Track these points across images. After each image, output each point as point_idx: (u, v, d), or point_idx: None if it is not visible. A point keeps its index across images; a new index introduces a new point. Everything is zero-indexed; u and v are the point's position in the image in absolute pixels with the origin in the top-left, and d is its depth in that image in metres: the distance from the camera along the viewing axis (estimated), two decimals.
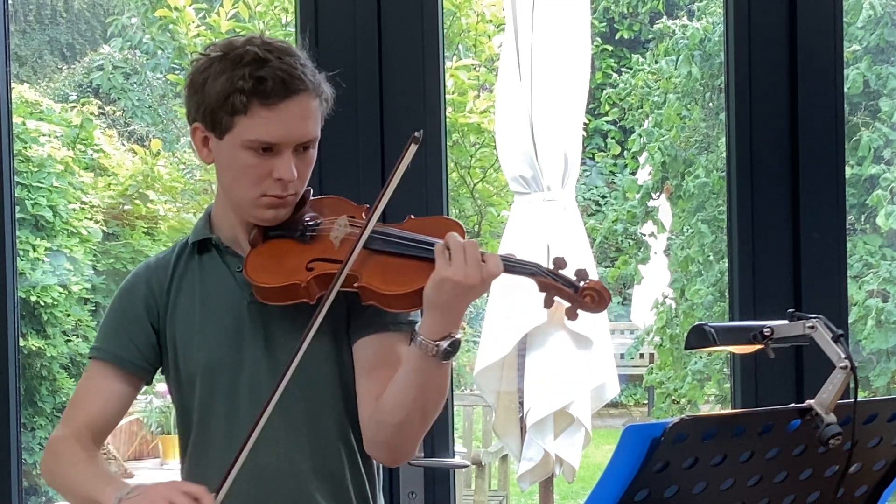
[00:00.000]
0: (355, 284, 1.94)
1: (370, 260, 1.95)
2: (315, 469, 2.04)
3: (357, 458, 2.08)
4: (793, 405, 1.60)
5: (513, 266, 1.90)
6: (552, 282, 1.88)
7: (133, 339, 2.07)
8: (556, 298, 1.89)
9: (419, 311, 1.95)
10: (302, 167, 1.99)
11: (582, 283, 1.87)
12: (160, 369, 2.14)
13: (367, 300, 1.94)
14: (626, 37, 8.52)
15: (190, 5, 7.06)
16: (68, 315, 6.68)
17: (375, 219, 1.95)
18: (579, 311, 1.89)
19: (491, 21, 7.07)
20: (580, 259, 3.96)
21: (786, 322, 1.71)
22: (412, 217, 2.05)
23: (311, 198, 2.10)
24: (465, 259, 1.84)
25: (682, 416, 1.47)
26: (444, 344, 1.87)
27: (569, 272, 1.89)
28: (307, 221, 2.04)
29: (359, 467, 2.08)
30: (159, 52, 7.65)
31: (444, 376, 1.94)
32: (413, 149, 1.95)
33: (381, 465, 2.17)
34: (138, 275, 2.12)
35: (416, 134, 1.95)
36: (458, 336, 1.89)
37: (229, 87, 1.92)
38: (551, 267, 1.90)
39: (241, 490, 1.98)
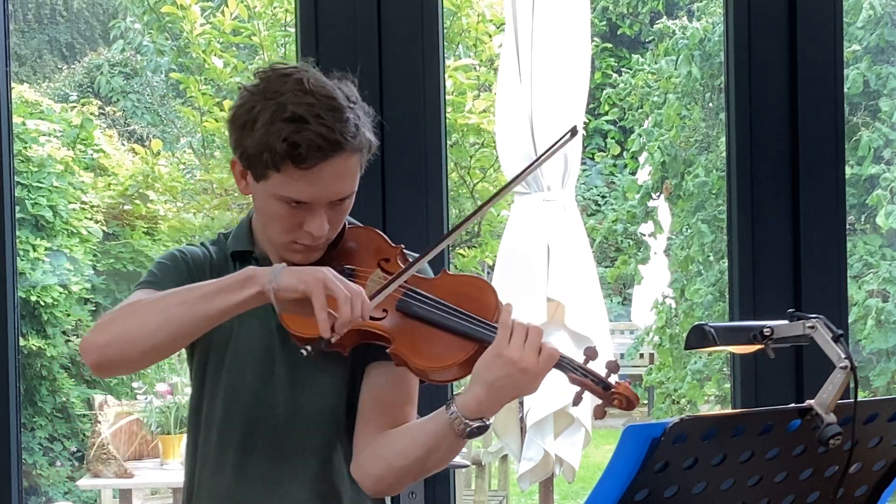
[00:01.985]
0: (388, 349, 1.91)
1: (404, 323, 1.92)
2: (312, 482, 2.02)
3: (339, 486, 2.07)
4: (793, 405, 1.60)
5: (563, 366, 1.89)
6: (583, 379, 1.87)
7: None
8: (587, 394, 1.89)
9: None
10: (335, 217, 1.96)
11: (613, 382, 1.86)
12: (190, 358, 2.08)
13: (398, 364, 1.92)
14: (627, 34, 8.51)
15: (196, 3, 7.06)
16: (68, 315, 6.69)
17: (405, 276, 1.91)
18: (606, 409, 1.90)
19: (491, 21, 7.07)
20: (580, 259, 3.97)
21: (786, 322, 1.71)
22: (446, 272, 2.00)
23: (349, 227, 2.06)
24: (525, 341, 1.83)
25: (682, 416, 1.48)
26: (474, 425, 1.86)
27: (600, 363, 1.89)
28: (343, 266, 1.99)
29: (356, 484, 2.07)
30: (160, 50, 7.64)
31: (458, 449, 1.94)
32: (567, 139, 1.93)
33: None
34: (184, 255, 2.04)
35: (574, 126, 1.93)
36: (489, 422, 1.88)
37: (264, 143, 1.87)
38: (583, 359, 1.89)
39: (243, 496, 2.00)
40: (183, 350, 2.03)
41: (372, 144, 1.98)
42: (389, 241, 2.05)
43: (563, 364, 1.88)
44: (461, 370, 1.90)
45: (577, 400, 1.91)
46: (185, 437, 2.34)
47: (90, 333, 1.90)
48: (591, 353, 1.89)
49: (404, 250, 2.03)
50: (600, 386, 1.86)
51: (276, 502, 2.01)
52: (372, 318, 1.90)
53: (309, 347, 1.84)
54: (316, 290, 1.79)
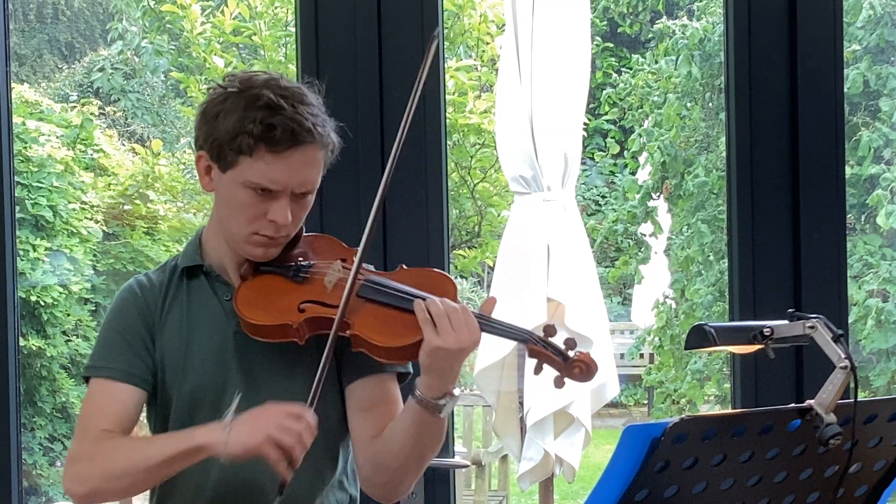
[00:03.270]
0: (347, 332, 1.96)
1: (363, 308, 1.97)
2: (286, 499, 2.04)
3: (332, 487, 2.10)
4: (793, 405, 1.60)
5: (498, 331, 1.94)
6: (543, 350, 1.92)
7: (137, 353, 2.06)
8: (546, 366, 1.93)
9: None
10: (297, 211, 2.01)
11: (572, 354, 1.91)
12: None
13: (357, 347, 1.97)
14: (627, 34, 8.52)
15: (196, 3, 7.07)
16: (68, 315, 6.68)
17: (362, 251, 1.97)
18: (566, 380, 1.93)
19: (493, 22, 7.07)
20: (580, 259, 3.97)
21: (786, 322, 1.71)
22: (404, 267, 2.06)
23: (304, 234, 2.12)
24: (451, 326, 1.88)
25: (682, 416, 1.48)
26: (442, 402, 1.93)
27: (558, 340, 1.93)
28: (300, 261, 2.06)
29: (333, 496, 2.10)
30: (160, 50, 7.64)
31: (442, 426, 1.98)
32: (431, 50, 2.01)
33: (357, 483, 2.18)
34: (132, 291, 2.11)
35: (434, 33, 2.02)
36: (455, 393, 1.94)
37: (239, 127, 1.94)
38: (542, 335, 1.94)
39: None
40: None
41: (336, 146, 2.05)
42: (345, 245, 2.11)
43: (500, 330, 1.93)
44: (418, 349, 1.94)
45: (537, 369, 1.95)
46: None
47: (69, 479, 2.00)
48: (549, 331, 1.94)
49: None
50: (560, 357, 1.91)
51: None
52: (329, 306, 1.96)
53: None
54: (266, 449, 1.85)
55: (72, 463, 2.02)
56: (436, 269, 2.07)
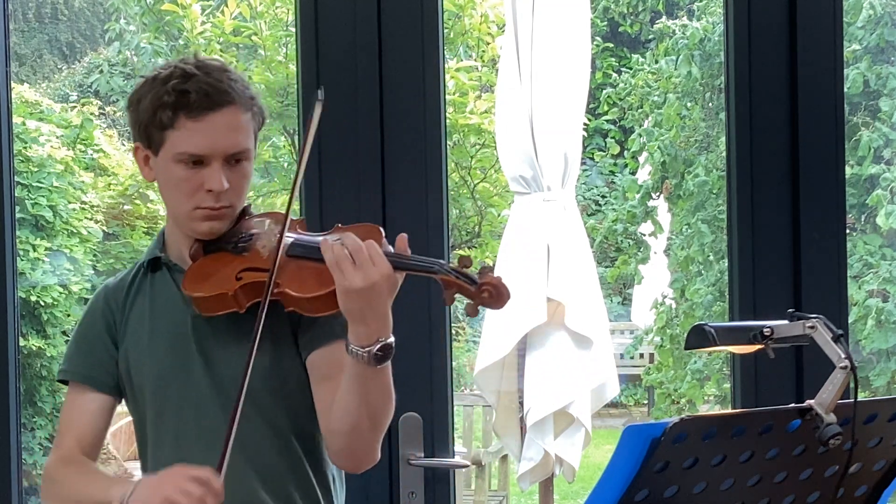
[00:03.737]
0: (275, 291, 1.97)
1: (289, 266, 1.99)
2: (255, 471, 2.06)
3: (305, 468, 2.10)
4: (793, 405, 1.60)
5: (407, 264, 1.91)
6: (453, 279, 1.88)
7: (99, 358, 2.14)
8: (457, 295, 1.90)
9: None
10: (235, 179, 2.03)
11: (481, 279, 1.87)
12: None
13: (288, 306, 1.98)
14: (629, 33, 8.51)
15: (196, 3, 7.06)
16: (68, 315, 6.68)
17: (288, 209, 2.00)
18: (480, 308, 1.89)
19: (493, 22, 7.07)
20: (580, 259, 3.97)
21: (786, 322, 1.71)
22: (339, 225, 2.05)
23: (255, 213, 2.13)
24: (355, 263, 1.85)
25: (682, 416, 1.48)
26: (374, 349, 1.88)
27: (473, 270, 1.90)
28: (242, 234, 2.08)
29: (308, 478, 2.10)
30: (160, 50, 7.64)
31: (385, 380, 1.94)
32: (318, 110, 1.98)
33: (342, 475, 2.19)
34: (98, 296, 2.19)
35: (318, 92, 1.98)
36: (388, 340, 1.89)
37: (156, 102, 1.98)
38: (454, 264, 1.91)
39: None
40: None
41: (263, 111, 2.06)
42: (291, 217, 2.09)
43: (407, 264, 1.90)
44: None
45: (448, 299, 1.91)
46: None
47: (42, 493, 2.13)
48: (464, 261, 1.90)
49: (304, 221, 2.10)
50: (469, 283, 1.87)
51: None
52: (263, 270, 1.98)
53: None
54: None
55: (45, 477, 2.13)
56: (370, 224, 2.04)
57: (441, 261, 1.92)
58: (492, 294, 1.86)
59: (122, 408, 5.76)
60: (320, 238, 1.98)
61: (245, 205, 2.11)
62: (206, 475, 1.87)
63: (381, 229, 2.00)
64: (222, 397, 2.04)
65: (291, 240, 2.01)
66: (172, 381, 2.08)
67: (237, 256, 2.05)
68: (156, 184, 2.09)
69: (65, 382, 2.22)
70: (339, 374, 2.00)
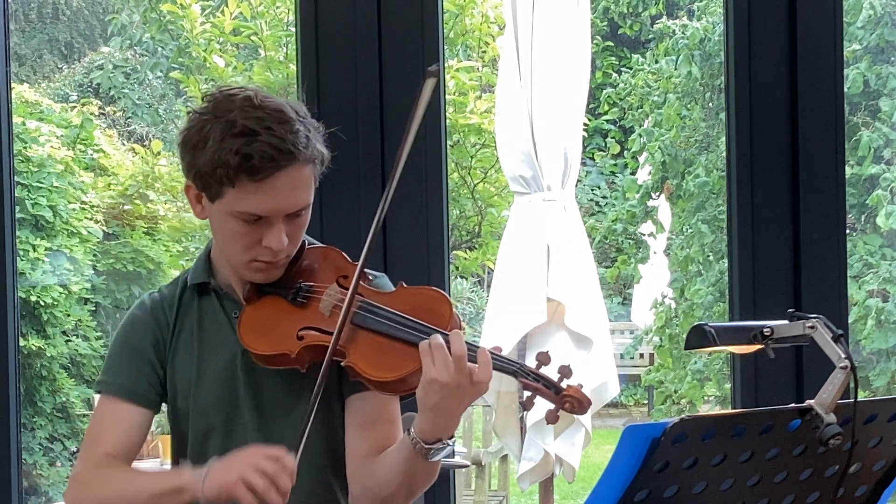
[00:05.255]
0: (343, 363, 1.93)
1: (358, 337, 1.93)
2: None
3: (338, 498, 2.08)
4: (793, 405, 1.60)
5: (499, 366, 1.88)
6: (534, 384, 1.87)
7: (143, 372, 2.06)
8: (538, 399, 1.89)
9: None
10: (293, 231, 1.97)
11: (564, 386, 1.87)
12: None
13: (354, 377, 1.94)
14: (629, 34, 8.51)
15: (196, 3, 7.07)
16: (68, 315, 6.68)
17: (356, 279, 1.93)
18: (559, 413, 1.89)
19: (494, 22, 7.08)
20: (580, 259, 3.97)
21: (786, 322, 1.71)
22: (404, 285, 2.01)
23: (308, 247, 2.07)
24: (447, 360, 1.82)
25: (682, 416, 1.48)
26: (435, 447, 1.88)
27: (552, 368, 1.89)
28: (300, 283, 2.02)
29: None
30: (159, 50, 7.64)
31: (434, 468, 1.94)
32: (430, 85, 1.95)
33: None
34: (144, 307, 2.11)
35: (432, 68, 1.94)
36: (450, 444, 1.90)
37: (217, 159, 1.89)
38: (535, 364, 1.89)
39: None
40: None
41: (324, 156, 1.99)
42: (348, 259, 2.05)
43: (506, 369, 1.88)
44: (416, 379, 1.89)
45: (528, 405, 1.91)
46: None
47: (70, 499, 2.05)
48: (543, 359, 1.89)
49: (365, 269, 2.02)
50: (552, 390, 1.87)
51: None
52: (327, 332, 1.92)
53: None
54: (238, 490, 1.83)
55: (73, 483, 2.06)
56: (433, 289, 2.00)
57: (521, 363, 1.90)
58: (573, 406, 1.87)
59: None
60: (398, 314, 1.92)
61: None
62: (280, 453, 1.85)
63: (451, 301, 1.96)
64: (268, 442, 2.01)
65: (357, 308, 1.94)
66: (219, 414, 2.04)
67: (296, 309, 1.99)
68: (206, 221, 2.02)
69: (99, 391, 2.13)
70: (375, 422, 2.00)
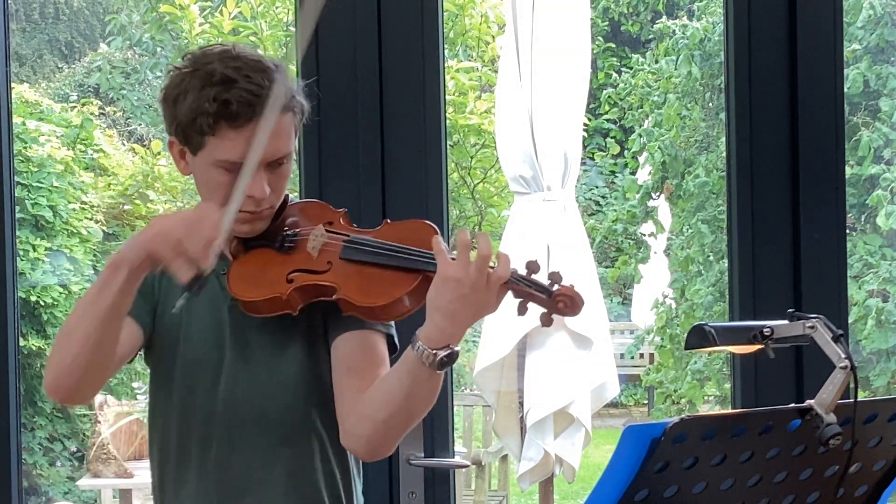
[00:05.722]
0: (334, 296, 1.95)
1: (348, 270, 1.96)
2: (287, 471, 2.04)
3: (329, 457, 2.08)
4: (793, 405, 1.60)
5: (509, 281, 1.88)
6: (526, 288, 1.87)
7: (141, 292, 2.00)
8: (531, 304, 1.89)
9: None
10: (276, 181, 1.99)
11: (555, 288, 1.87)
12: (146, 355, 2.13)
13: (347, 311, 1.95)
14: (631, 33, 8.52)
15: (194, 3, 7.06)
16: (68, 315, 6.68)
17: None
18: (554, 317, 1.89)
19: (494, 22, 7.08)
20: (580, 259, 3.97)
21: (786, 322, 1.71)
22: (388, 221, 2.04)
23: (291, 203, 2.09)
24: (468, 260, 1.82)
25: (682, 416, 1.48)
26: (442, 353, 1.86)
27: (542, 275, 1.89)
28: (286, 231, 2.05)
29: (331, 466, 2.08)
30: (159, 50, 7.64)
31: (437, 383, 1.92)
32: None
33: (360, 467, 2.17)
34: None
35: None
36: (456, 349, 1.88)
37: (196, 108, 1.92)
38: (524, 272, 1.88)
39: (208, 490, 2.02)
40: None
41: (304, 107, 2.01)
42: (333, 208, 2.08)
43: (509, 279, 1.87)
44: (410, 303, 1.92)
45: (521, 310, 1.90)
46: None
47: (45, 378, 1.97)
48: (532, 266, 1.88)
49: (346, 214, 2.06)
50: (543, 293, 1.87)
51: (248, 497, 2.03)
52: (315, 272, 1.95)
53: (185, 294, 1.85)
54: (155, 246, 1.81)
55: (47, 368, 1.99)
56: (420, 221, 2.02)
57: (514, 269, 1.88)
58: (566, 304, 1.86)
59: (123, 408, 5.77)
60: (383, 242, 1.94)
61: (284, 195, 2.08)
62: (205, 207, 1.86)
63: (436, 229, 1.98)
64: (254, 411, 2.02)
65: (343, 242, 1.98)
66: (206, 368, 2.03)
67: (284, 255, 2.01)
68: (188, 177, 2.04)
69: None
70: (364, 362, 2.00)
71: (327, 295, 1.95)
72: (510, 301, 1.89)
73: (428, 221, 2.02)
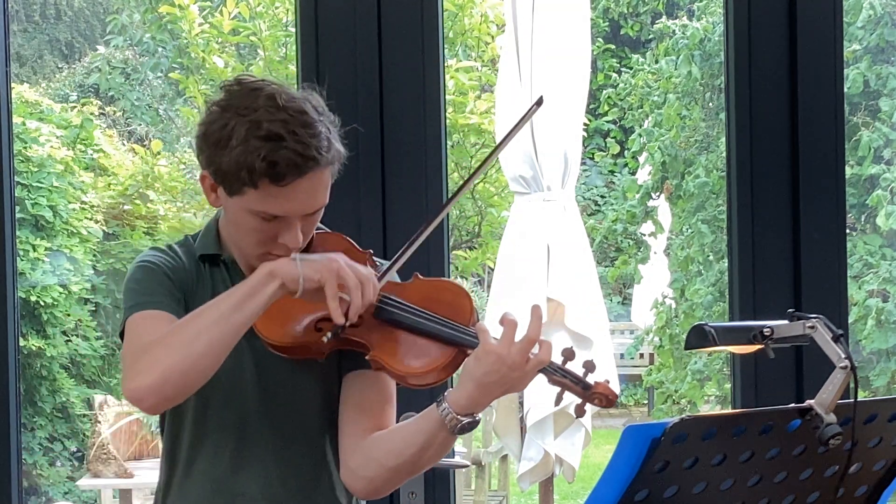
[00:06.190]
0: (367, 356, 1.93)
1: (382, 330, 1.94)
2: (299, 487, 2.05)
3: (334, 484, 2.09)
4: (793, 405, 1.60)
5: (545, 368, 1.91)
6: (562, 378, 1.90)
7: (172, 292, 2.00)
8: (567, 394, 1.92)
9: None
10: (308, 227, 1.98)
11: (591, 382, 1.90)
12: None
13: (377, 370, 1.95)
14: (630, 34, 8.52)
15: (194, 3, 7.06)
16: (68, 315, 6.68)
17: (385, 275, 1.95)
18: (586, 408, 1.94)
19: (493, 22, 7.08)
20: (580, 259, 3.97)
21: (786, 322, 1.71)
22: (418, 276, 2.02)
23: (316, 232, 2.06)
24: (514, 339, 1.86)
25: (683, 416, 1.48)
26: (465, 420, 1.89)
27: (577, 364, 1.91)
28: None
29: (334, 493, 2.09)
30: (159, 50, 7.64)
31: (451, 444, 1.95)
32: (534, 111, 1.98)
33: None
34: (162, 251, 2.07)
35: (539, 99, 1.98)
36: (478, 417, 1.91)
37: (242, 161, 1.88)
38: (561, 360, 1.91)
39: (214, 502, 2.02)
40: None
41: (342, 155, 1.99)
42: (357, 247, 2.06)
43: (547, 367, 1.90)
44: (440, 375, 1.92)
45: (557, 400, 1.95)
46: None
47: (133, 379, 1.87)
48: (568, 354, 1.92)
49: (373, 256, 2.04)
50: (580, 386, 1.90)
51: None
52: (350, 326, 1.91)
53: (329, 334, 1.88)
54: (328, 279, 1.85)
55: (132, 363, 1.89)
56: (451, 282, 2.02)
57: (551, 360, 1.91)
58: (601, 401, 1.91)
59: (123, 408, 5.77)
60: (419, 310, 1.94)
61: None
62: (368, 272, 1.88)
63: (469, 295, 1.98)
64: (269, 418, 2.02)
65: (379, 300, 1.93)
66: (222, 385, 1.99)
67: (309, 302, 1.94)
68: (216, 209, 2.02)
69: (121, 335, 2.01)
70: (376, 400, 2.00)
71: (359, 349, 1.94)
72: (541, 381, 1.91)
73: (460, 285, 2.01)
